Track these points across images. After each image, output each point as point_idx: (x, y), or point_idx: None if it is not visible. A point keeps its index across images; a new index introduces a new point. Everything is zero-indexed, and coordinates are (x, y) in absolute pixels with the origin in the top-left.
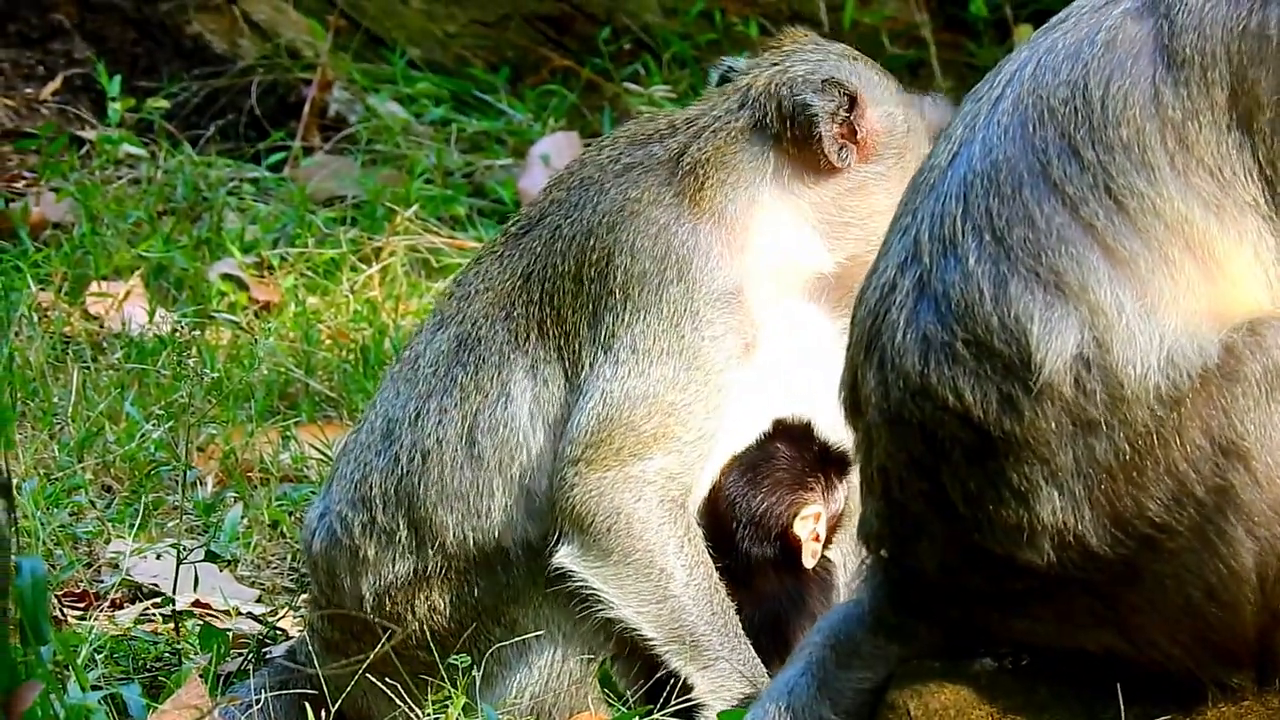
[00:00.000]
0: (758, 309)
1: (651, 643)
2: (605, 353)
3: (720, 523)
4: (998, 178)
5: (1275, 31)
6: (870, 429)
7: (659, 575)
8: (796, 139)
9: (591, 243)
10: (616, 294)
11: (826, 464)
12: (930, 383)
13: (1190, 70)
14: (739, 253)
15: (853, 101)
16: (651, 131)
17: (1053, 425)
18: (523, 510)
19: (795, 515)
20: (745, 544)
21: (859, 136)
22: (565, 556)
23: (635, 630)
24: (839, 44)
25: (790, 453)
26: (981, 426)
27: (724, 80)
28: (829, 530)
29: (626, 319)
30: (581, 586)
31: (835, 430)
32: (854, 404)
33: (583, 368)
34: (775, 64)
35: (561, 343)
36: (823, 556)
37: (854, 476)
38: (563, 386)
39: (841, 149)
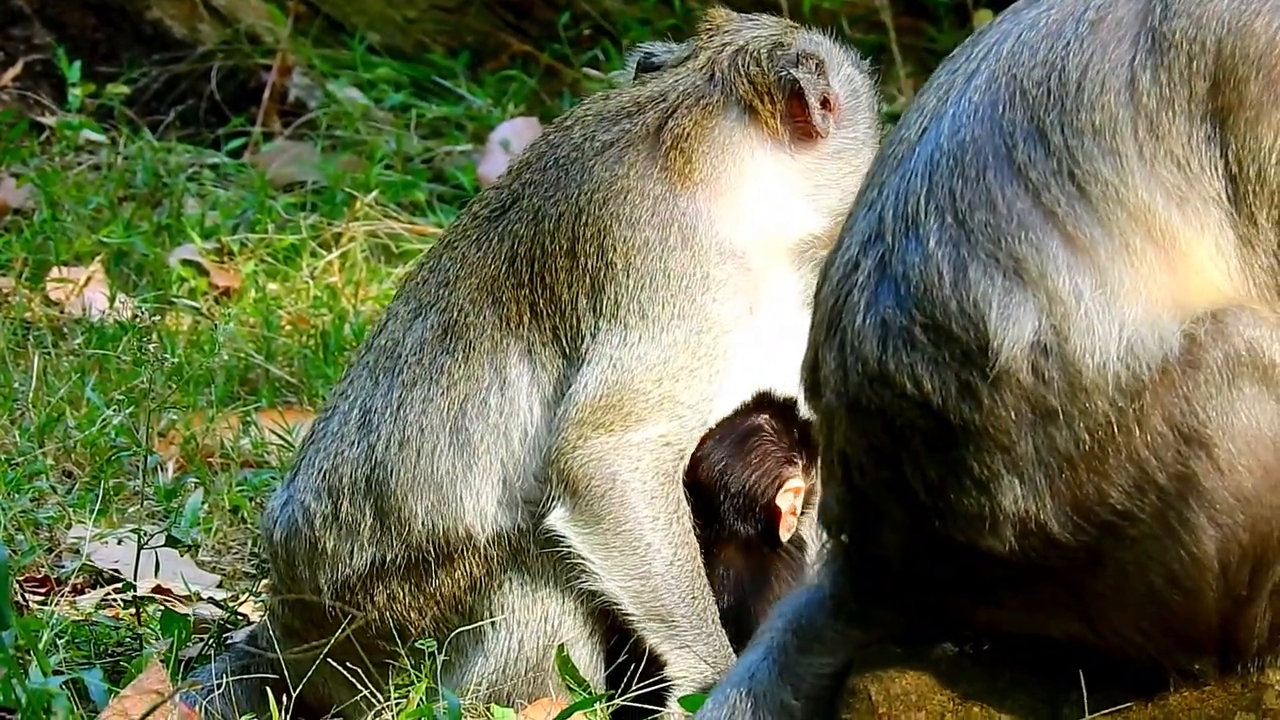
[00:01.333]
0: (758, 272)
1: (631, 618)
2: (611, 320)
3: (704, 492)
4: (963, 159)
5: None
6: (831, 413)
7: (645, 549)
8: (777, 111)
9: (584, 219)
10: (618, 264)
11: (806, 441)
12: (889, 369)
13: (1175, 56)
14: (737, 217)
15: (820, 70)
16: (618, 109)
17: (1012, 414)
18: (496, 498)
19: (780, 488)
20: (729, 515)
21: (830, 103)
22: (557, 519)
23: (616, 604)
24: (767, 15)
25: (776, 426)
26: (941, 414)
27: (648, 67)
28: (803, 506)
29: (630, 287)
30: (569, 553)
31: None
32: (814, 385)
33: (583, 340)
34: (726, 41)
35: (557, 321)
36: (796, 535)
37: None
38: (560, 366)
39: (824, 117)
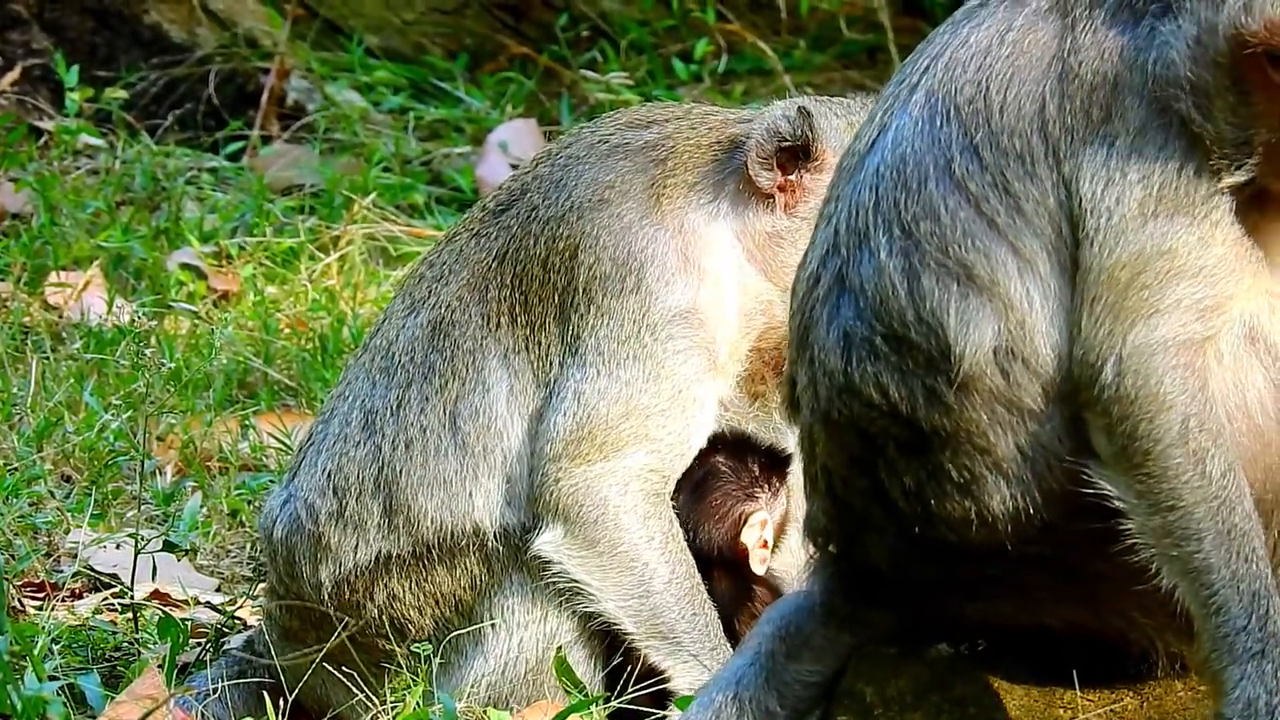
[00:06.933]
0: (716, 326)
1: (632, 637)
2: (572, 355)
3: None
4: (905, 170)
5: (1179, 68)
6: (809, 428)
7: (643, 569)
8: (754, 159)
9: (561, 230)
10: (580, 292)
11: (769, 470)
12: (854, 381)
13: (1079, 86)
14: (694, 269)
15: (808, 150)
16: (648, 117)
17: (984, 416)
18: (503, 496)
19: (743, 525)
20: (699, 557)
21: (790, 179)
22: (547, 545)
23: (616, 624)
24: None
25: (732, 464)
26: (911, 421)
27: None
28: (777, 534)
29: (591, 322)
30: (560, 576)
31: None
32: (792, 402)
33: (551, 366)
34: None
35: (528, 334)
36: (769, 570)
37: (793, 477)
38: (532, 381)
39: (766, 171)
